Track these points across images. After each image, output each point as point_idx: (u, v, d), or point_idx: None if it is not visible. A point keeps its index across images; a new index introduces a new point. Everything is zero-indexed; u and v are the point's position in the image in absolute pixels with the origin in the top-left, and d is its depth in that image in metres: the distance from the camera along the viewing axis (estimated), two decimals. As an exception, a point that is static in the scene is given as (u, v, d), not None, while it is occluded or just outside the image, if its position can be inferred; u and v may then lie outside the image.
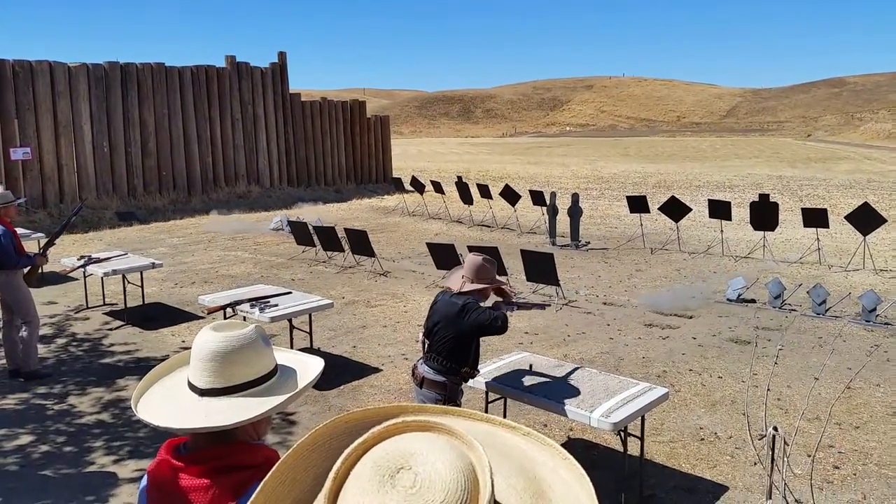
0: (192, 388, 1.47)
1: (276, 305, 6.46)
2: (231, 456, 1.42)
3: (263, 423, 1.53)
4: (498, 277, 4.20)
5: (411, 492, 0.73)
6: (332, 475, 0.78)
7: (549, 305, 5.89)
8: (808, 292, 8.47)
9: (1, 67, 15.81)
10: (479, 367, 4.27)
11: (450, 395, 3.99)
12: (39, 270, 6.60)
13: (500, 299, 4.26)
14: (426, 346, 4.12)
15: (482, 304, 4.04)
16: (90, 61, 17.51)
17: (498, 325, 3.96)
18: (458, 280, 4.10)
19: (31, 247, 8.38)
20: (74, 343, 7.58)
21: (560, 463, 0.88)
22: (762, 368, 6.35)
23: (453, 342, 3.97)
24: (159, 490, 1.46)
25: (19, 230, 7.49)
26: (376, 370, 6.66)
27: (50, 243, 6.56)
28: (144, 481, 1.53)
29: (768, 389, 4.68)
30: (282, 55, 21.82)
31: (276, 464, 0.90)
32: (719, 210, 12.67)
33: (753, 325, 7.85)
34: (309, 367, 1.58)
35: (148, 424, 1.48)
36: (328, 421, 0.93)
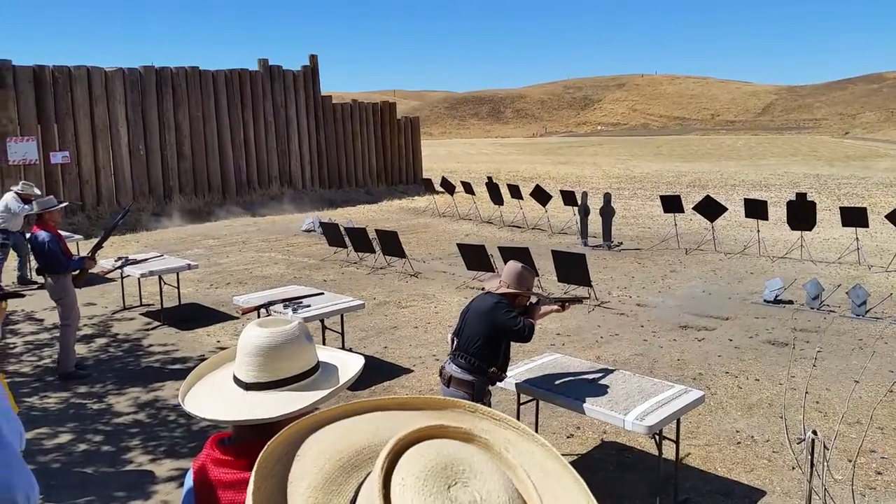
0: (238, 382, 1.50)
1: (309, 306, 6.51)
2: None
3: (296, 417, 1.55)
4: (535, 290, 4.22)
5: None
6: (377, 485, 0.70)
7: (605, 301, 5.88)
8: (847, 293, 8.29)
9: (41, 74, 16.18)
10: (508, 370, 4.27)
11: (477, 395, 3.98)
12: (87, 273, 6.73)
13: (533, 303, 4.28)
14: (454, 344, 4.14)
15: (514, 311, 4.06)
16: (126, 66, 17.84)
17: (524, 332, 4.00)
18: (495, 284, 4.15)
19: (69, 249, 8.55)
20: (114, 344, 7.72)
21: (553, 462, 0.85)
22: (800, 371, 6.23)
23: (481, 340, 3.99)
24: (204, 483, 1.48)
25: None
26: (408, 371, 6.67)
27: (98, 246, 6.68)
28: (189, 482, 1.55)
29: (807, 392, 4.59)
30: (313, 58, 22.00)
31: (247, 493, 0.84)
32: (755, 209, 12.46)
33: (791, 326, 7.71)
34: (349, 364, 1.62)
35: (194, 417, 1.52)
36: (280, 433, 0.87)
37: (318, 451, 0.81)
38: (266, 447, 0.85)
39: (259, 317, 6.29)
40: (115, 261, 8.66)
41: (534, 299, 4.34)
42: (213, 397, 1.53)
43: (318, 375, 1.54)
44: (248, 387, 1.49)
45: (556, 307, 4.34)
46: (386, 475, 0.71)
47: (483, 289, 4.27)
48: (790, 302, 8.71)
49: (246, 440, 1.47)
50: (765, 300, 8.78)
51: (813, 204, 12.03)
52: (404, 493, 0.68)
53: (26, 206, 9.41)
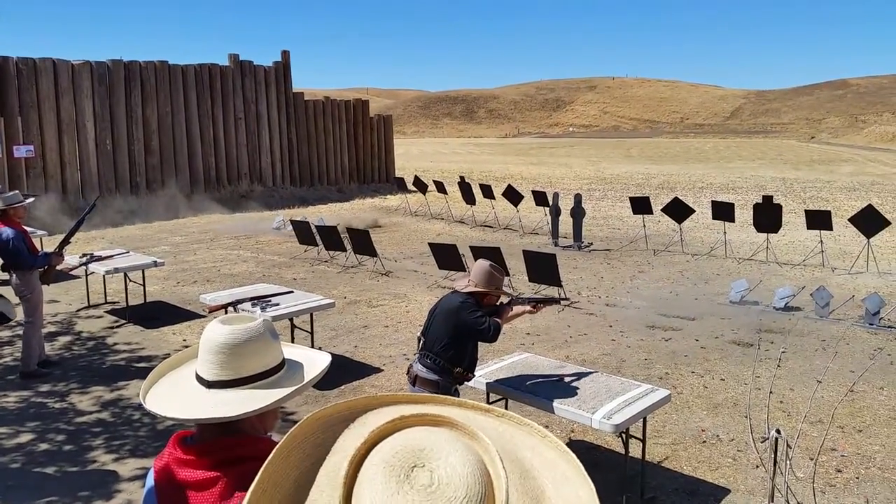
0: (200, 380, 1.48)
1: (278, 305, 6.45)
2: (238, 448, 1.42)
3: (271, 417, 1.54)
4: (503, 289, 4.20)
5: (430, 490, 0.71)
6: (340, 480, 0.75)
7: (575, 301, 5.85)
8: (811, 295, 8.44)
9: (4, 65, 15.82)
10: (475, 371, 4.27)
11: (442, 395, 3.97)
12: (55, 269, 6.60)
13: (508, 300, 4.27)
14: (421, 343, 4.13)
15: (481, 310, 4.04)
16: (93, 59, 17.53)
17: (489, 332, 3.97)
18: (464, 283, 4.13)
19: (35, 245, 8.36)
20: (77, 342, 7.58)
21: (539, 442, 0.87)
22: (765, 371, 6.33)
23: (446, 340, 3.98)
24: (167, 482, 1.46)
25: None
26: (377, 370, 6.65)
27: (65, 241, 6.55)
28: (151, 481, 1.52)
29: (771, 392, 4.67)
30: (285, 54, 21.82)
31: (259, 473, 0.88)
32: (722, 212, 12.64)
33: (756, 327, 7.83)
34: (316, 362, 1.60)
35: (155, 415, 1.49)
36: (301, 421, 0.91)
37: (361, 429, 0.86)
38: (313, 415, 0.89)
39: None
40: (80, 257, 8.50)
41: (505, 299, 4.33)
42: (175, 395, 1.50)
43: (283, 373, 1.52)
44: (210, 385, 1.46)
45: (528, 308, 4.28)
46: (357, 464, 0.76)
47: (453, 288, 4.25)
48: (755, 303, 8.85)
49: (210, 439, 1.45)
50: (731, 301, 8.91)
51: (779, 207, 12.24)
52: (372, 479, 0.73)
53: None
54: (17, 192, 7.04)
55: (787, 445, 3.76)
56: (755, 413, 5.03)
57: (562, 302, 5.11)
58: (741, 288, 8.98)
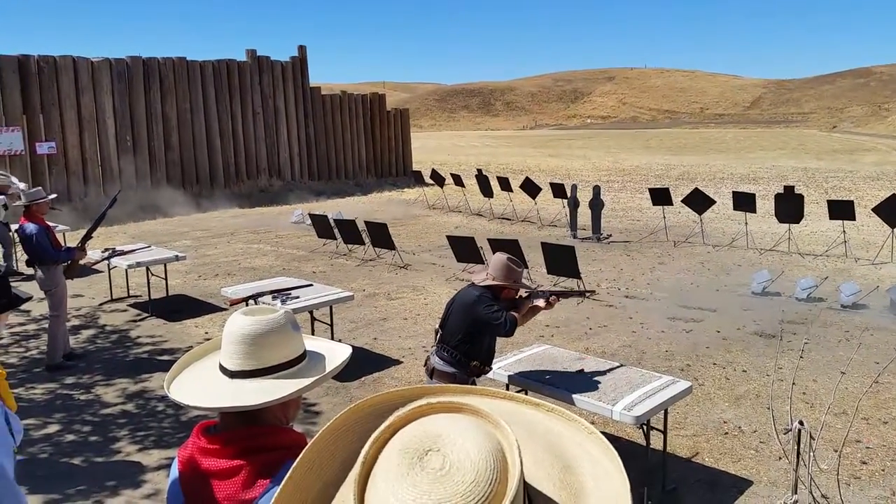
0: (223, 370, 1.50)
1: (298, 297, 6.49)
2: (261, 437, 1.45)
3: (292, 407, 1.57)
4: (523, 281, 4.17)
5: (440, 473, 0.72)
6: (360, 459, 0.77)
7: (594, 292, 5.80)
8: (838, 288, 8.35)
9: (26, 63, 16.00)
10: (492, 364, 4.27)
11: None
12: (79, 264, 6.69)
13: (528, 293, 4.25)
14: (438, 336, 4.13)
15: (498, 304, 4.02)
16: (113, 56, 17.68)
17: (505, 326, 3.94)
18: (482, 276, 4.11)
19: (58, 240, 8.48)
20: (101, 335, 7.68)
21: (586, 437, 0.88)
22: (787, 362, 6.28)
23: (462, 333, 3.98)
24: (191, 471, 1.48)
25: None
26: (397, 362, 6.67)
27: (87, 236, 6.64)
28: (175, 471, 1.54)
29: (794, 383, 4.63)
30: (302, 49, 21.87)
31: (303, 451, 0.90)
32: (743, 202, 12.52)
33: (778, 318, 7.76)
34: (337, 354, 1.62)
35: (179, 404, 1.52)
36: (352, 405, 0.92)
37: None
38: (366, 401, 0.91)
39: (248, 308, 6.28)
40: (103, 252, 8.60)
41: (524, 293, 4.30)
42: (198, 385, 1.52)
43: (304, 364, 1.54)
44: (233, 375, 1.48)
45: (541, 304, 4.19)
46: (380, 446, 0.78)
47: (471, 281, 4.25)
48: (778, 294, 8.77)
49: (232, 428, 1.47)
50: (752, 292, 8.83)
51: (801, 197, 12.11)
52: (387, 460, 0.76)
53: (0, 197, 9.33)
54: (39, 188, 7.14)
55: (811, 437, 3.73)
56: (778, 404, 4.99)
57: (586, 294, 5.06)
58: (763, 279, 8.90)
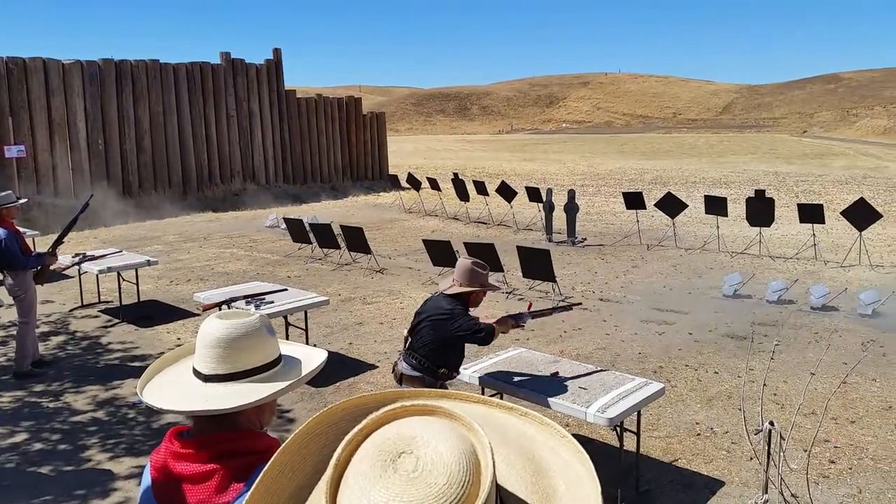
0: (197, 374, 1.49)
1: (272, 302, 6.45)
2: (235, 441, 1.44)
3: (267, 411, 1.57)
4: (490, 282, 4.18)
5: (413, 476, 0.72)
6: (333, 462, 0.77)
7: (579, 304, 5.76)
8: (808, 290, 8.48)
9: (-5, 65, 15.72)
10: (470, 365, 4.27)
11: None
12: (49, 269, 6.57)
13: (519, 312, 4.27)
14: (408, 343, 4.13)
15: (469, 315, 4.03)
16: (84, 58, 17.44)
17: (481, 337, 3.98)
18: (447, 284, 4.11)
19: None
20: (71, 341, 7.56)
21: (558, 442, 0.89)
22: (758, 364, 6.36)
23: (435, 344, 3.99)
24: (164, 476, 1.47)
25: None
26: (372, 367, 6.65)
27: (59, 241, 6.53)
28: (147, 478, 1.53)
29: (764, 384, 4.69)
30: (277, 52, 21.75)
31: (275, 453, 0.90)
32: (715, 206, 12.68)
33: (750, 320, 7.86)
34: (312, 358, 1.62)
35: (153, 408, 1.51)
36: (325, 409, 0.92)
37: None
38: (339, 404, 0.90)
39: (221, 313, 6.22)
40: (73, 257, 8.46)
41: (514, 310, 4.29)
42: (173, 389, 1.51)
43: (279, 368, 1.54)
44: (206, 378, 1.48)
45: (513, 324, 4.21)
46: (353, 449, 0.78)
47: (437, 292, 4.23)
48: (749, 296, 8.88)
49: (206, 432, 1.46)
50: (724, 295, 8.94)
51: (771, 201, 12.29)
52: (359, 463, 0.75)
53: None
54: (9, 192, 7.00)
55: (781, 437, 3.79)
56: (749, 405, 5.06)
57: (572, 307, 5.03)
58: (734, 281, 9.02)
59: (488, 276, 4.16)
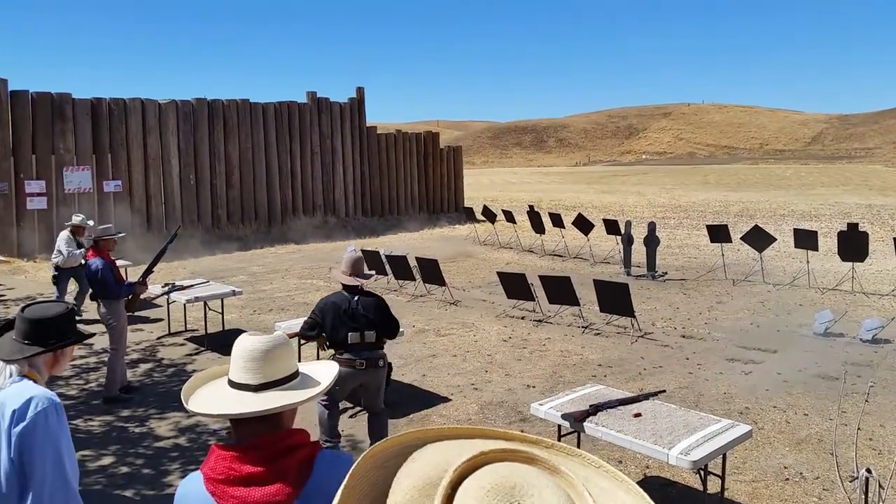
0: (244, 386, 1.68)
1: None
2: (287, 438, 1.64)
3: (292, 413, 1.78)
4: (367, 272, 5.26)
5: None
6: (440, 496, 0.75)
7: (664, 391, 5.53)
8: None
9: (98, 106, 16.79)
10: (535, 404, 4.39)
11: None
12: (140, 298, 6.88)
13: None
14: (364, 337, 4.99)
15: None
16: (179, 98, 18.42)
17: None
18: (345, 277, 5.19)
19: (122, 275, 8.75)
20: (158, 368, 7.85)
21: (594, 472, 0.86)
22: (851, 406, 6.00)
23: (381, 327, 5.12)
24: (227, 481, 1.57)
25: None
26: (445, 399, 6.62)
27: (149, 271, 6.84)
28: (200, 487, 1.60)
29: (859, 428, 4.42)
30: (360, 90, 22.39)
31: (348, 475, 0.88)
32: (805, 240, 12.17)
33: (842, 360, 7.45)
34: (322, 371, 1.83)
35: (208, 415, 1.72)
36: (403, 434, 0.90)
37: (430, 459, 0.86)
38: (383, 442, 0.90)
39: (300, 346, 6.35)
40: (163, 286, 8.83)
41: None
42: (223, 400, 1.69)
43: (300, 379, 1.76)
44: (248, 388, 1.67)
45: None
46: (451, 490, 0.76)
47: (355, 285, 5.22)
48: (841, 335, 8.43)
49: (259, 435, 1.62)
50: (815, 333, 8.51)
51: (865, 234, 11.70)
52: (475, 494, 0.74)
53: (78, 252, 9.41)
54: (110, 225, 7.38)
55: (880, 486, 3.54)
56: (841, 450, 4.77)
57: (652, 398, 4.81)
58: (826, 319, 8.58)
59: (363, 266, 5.30)
